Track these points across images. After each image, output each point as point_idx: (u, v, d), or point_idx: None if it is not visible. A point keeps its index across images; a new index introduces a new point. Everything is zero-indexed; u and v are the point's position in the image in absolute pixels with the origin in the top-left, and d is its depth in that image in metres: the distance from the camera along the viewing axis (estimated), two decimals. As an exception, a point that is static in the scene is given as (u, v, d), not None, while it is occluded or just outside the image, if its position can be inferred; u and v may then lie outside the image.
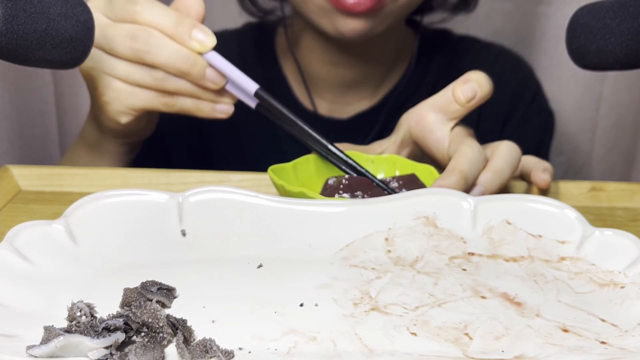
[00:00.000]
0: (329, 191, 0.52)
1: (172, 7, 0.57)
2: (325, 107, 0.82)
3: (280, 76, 0.83)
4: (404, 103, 0.81)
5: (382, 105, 0.82)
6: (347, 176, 0.53)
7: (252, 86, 0.56)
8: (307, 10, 0.70)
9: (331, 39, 0.74)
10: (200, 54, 0.56)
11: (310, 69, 0.81)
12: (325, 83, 0.81)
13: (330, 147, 0.55)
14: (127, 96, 0.57)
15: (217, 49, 0.56)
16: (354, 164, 0.54)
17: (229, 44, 0.83)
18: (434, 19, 0.84)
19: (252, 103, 0.58)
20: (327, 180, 0.53)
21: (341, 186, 0.51)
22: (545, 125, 0.86)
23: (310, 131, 0.55)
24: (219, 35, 0.57)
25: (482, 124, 0.81)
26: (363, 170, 0.54)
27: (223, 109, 0.59)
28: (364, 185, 0.52)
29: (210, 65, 0.56)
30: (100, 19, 0.55)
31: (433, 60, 0.83)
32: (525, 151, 0.81)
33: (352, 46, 0.76)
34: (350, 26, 0.68)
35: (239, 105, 0.59)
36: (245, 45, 0.85)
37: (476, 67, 0.82)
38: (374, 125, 0.81)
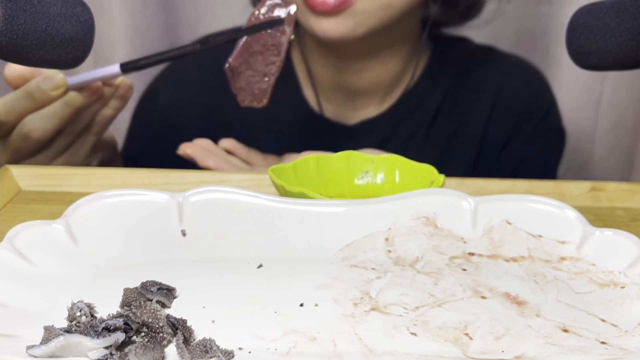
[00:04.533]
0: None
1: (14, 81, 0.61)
2: (332, 110, 0.82)
3: (292, 76, 0.82)
4: (413, 112, 0.80)
5: (389, 113, 0.81)
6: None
7: (114, 69, 0.60)
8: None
9: (330, 44, 0.74)
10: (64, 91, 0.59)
11: (317, 72, 0.81)
12: (331, 87, 0.81)
13: (199, 45, 0.59)
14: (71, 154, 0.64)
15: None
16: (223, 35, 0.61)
17: None
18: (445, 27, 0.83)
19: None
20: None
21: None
22: (553, 145, 0.84)
23: (175, 50, 0.59)
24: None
25: (486, 137, 0.80)
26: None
27: (123, 92, 0.63)
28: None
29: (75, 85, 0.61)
30: None
31: (445, 69, 0.82)
32: (530, 169, 0.81)
33: (353, 52, 0.76)
34: (323, 26, 0.68)
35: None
36: None
37: (488, 78, 0.82)
38: (379, 133, 0.80)
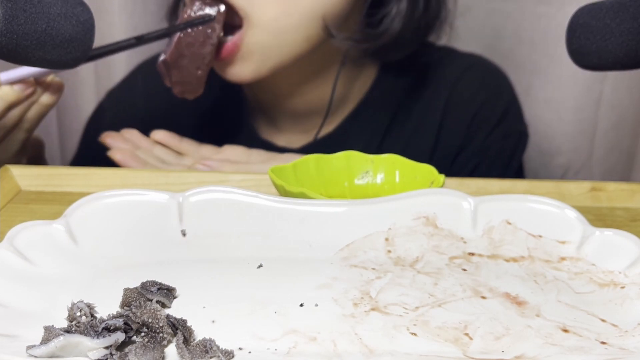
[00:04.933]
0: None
1: None
2: (282, 138, 0.80)
3: (242, 100, 0.82)
4: (369, 122, 0.78)
5: (337, 132, 0.78)
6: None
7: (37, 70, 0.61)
8: None
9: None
10: None
11: (258, 97, 0.80)
12: (275, 112, 0.79)
13: (135, 40, 0.61)
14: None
15: None
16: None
17: None
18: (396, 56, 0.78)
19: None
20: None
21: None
22: (511, 150, 0.80)
23: (110, 45, 0.61)
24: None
25: (439, 144, 0.77)
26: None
27: (54, 90, 0.64)
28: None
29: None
30: None
31: (402, 74, 0.79)
32: (490, 169, 0.79)
33: (281, 83, 0.75)
34: (227, 72, 0.69)
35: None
36: None
37: (444, 79, 0.80)
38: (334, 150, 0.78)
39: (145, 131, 0.72)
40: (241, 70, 0.68)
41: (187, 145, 0.71)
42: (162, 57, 0.67)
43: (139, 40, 0.65)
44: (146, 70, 0.85)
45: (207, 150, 0.70)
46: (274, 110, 0.80)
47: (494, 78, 0.82)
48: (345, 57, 0.72)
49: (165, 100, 0.79)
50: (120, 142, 0.70)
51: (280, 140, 0.80)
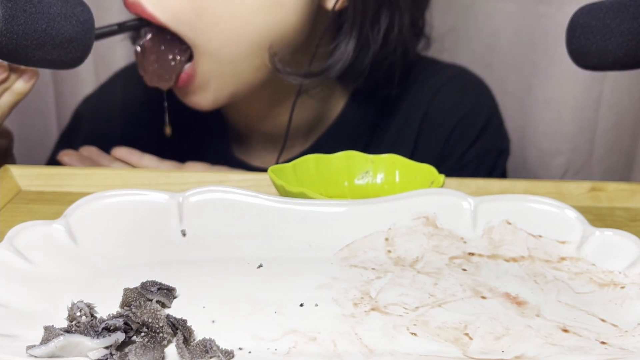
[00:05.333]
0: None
1: None
2: (256, 158, 0.79)
3: (218, 119, 0.81)
4: (345, 139, 0.76)
5: (317, 147, 0.77)
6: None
7: None
8: None
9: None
10: None
11: (230, 119, 0.79)
12: (249, 133, 0.78)
13: (117, 27, 0.61)
14: None
15: None
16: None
17: None
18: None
19: None
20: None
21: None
22: (490, 166, 0.78)
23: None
24: None
25: (416, 158, 0.76)
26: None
27: (28, 78, 0.61)
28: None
29: None
30: None
31: (381, 86, 0.76)
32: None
33: (249, 107, 0.74)
34: (187, 100, 0.69)
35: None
36: None
37: (424, 90, 0.78)
38: None
39: (120, 142, 0.72)
40: (200, 99, 0.69)
41: (148, 161, 0.70)
42: (139, 45, 0.67)
43: (121, 26, 0.65)
44: (124, 77, 0.84)
45: (169, 166, 0.70)
46: (246, 131, 0.79)
47: (474, 92, 0.80)
48: (301, 86, 0.70)
49: (139, 113, 0.79)
50: (77, 161, 0.70)
51: (255, 160, 0.79)
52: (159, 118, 0.73)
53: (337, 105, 0.77)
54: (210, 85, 0.68)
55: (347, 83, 0.74)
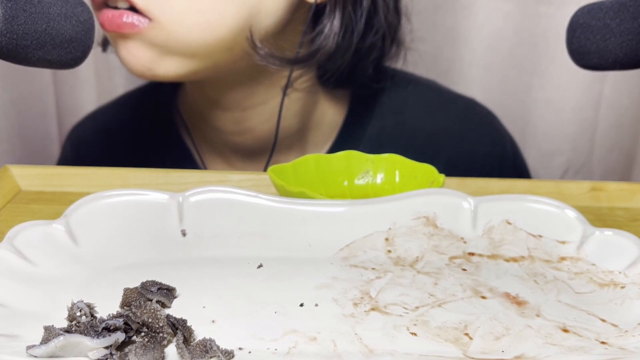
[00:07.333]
0: None
1: None
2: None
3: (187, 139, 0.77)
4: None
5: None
6: None
7: None
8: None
9: (203, 99, 0.69)
10: None
11: (205, 134, 0.75)
12: (226, 149, 0.74)
13: None
14: None
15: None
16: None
17: None
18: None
19: None
20: None
21: None
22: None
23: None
24: None
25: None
26: None
27: None
28: None
29: None
30: None
31: (369, 110, 0.74)
32: None
33: (226, 110, 0.70)
34: (122, 52, 0.61)
35: None
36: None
37: (406, 102, 0.77)
38: None
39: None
40: (137, 54, 0.61)
41: None
42: None
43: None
44: (116, 104, 0.82)
45: None
46: (223, 147, 0.75)
47: (444, 110, 0.78)
48: (286, 86, 0.67)
49: (118, 136, 0.77)
50: None
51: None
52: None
53: (336, 116, 0.74)
54: (153, 42, 0.60)
55: (331, 81, 0.71)
